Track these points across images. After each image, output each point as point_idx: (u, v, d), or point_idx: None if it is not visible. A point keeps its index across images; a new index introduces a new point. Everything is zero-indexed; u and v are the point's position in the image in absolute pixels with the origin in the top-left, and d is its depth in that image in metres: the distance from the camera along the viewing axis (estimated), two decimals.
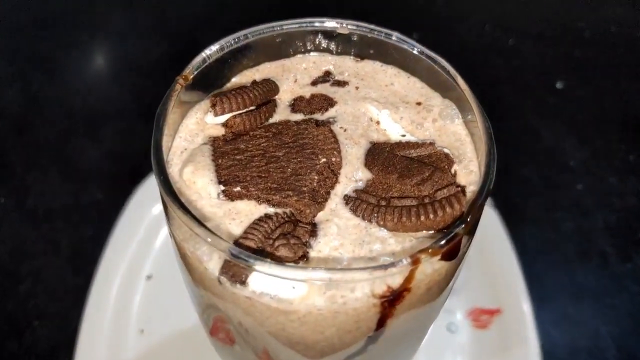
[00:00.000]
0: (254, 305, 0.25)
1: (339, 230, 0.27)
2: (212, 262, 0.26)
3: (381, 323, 0.26)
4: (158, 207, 0.68)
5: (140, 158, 0.68)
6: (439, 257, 0.25)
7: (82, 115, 0.79)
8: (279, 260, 0.25)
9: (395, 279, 0.25)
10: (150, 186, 0.70)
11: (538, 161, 0.76)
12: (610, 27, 0.90)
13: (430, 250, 0.24)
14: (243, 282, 0.25)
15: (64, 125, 0.78)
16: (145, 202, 0.68)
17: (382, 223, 0.27)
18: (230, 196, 0.28)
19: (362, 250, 0.26)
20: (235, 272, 0.25)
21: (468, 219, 0.25)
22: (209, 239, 0.24)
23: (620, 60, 0.86)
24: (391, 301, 0.25)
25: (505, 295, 0.62)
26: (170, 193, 0.26)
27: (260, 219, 0.27)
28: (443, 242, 0.24)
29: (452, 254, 0.25)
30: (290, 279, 0.23)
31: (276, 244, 0.25)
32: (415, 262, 0.23)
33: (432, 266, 0.26)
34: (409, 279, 0.24)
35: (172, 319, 0.61)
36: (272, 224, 0.26)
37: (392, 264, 0.23)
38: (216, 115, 0.31)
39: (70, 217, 0.70)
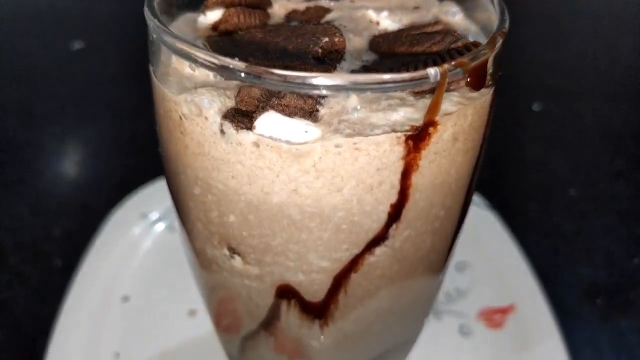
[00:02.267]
0: (262, 156, 0.22)
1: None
2: (213, 110, 0.23)
3: (405, 180, 0.23)
4: (134, 230, 0.64)
5: (115, 190, 0.65)
6: (466, 77, 0.22)
7: (53, 150, 0.76)
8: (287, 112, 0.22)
9: (418, 114, 0.22)
10: (125, 212, 0.66)
11: (527, 173, 0.76)
12: (575, 58, 0.94)
13: (455, 62, 0.21)
14: (249, 126, 0.22)
15: (34, 161, 0.75)
16: (119, 227, 0.63)
17: None
18: None
19: (380, 105, 0.23)
20: (239, 119, 0.22)
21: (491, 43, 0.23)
22: (219, 61, 0.21)
23: (589, 86, 0.89)
24: (415, 141, 0.22)
25: (517, 291, 0.58)
26: (169, 32, 0.23)
27: None
28: (470, 57, 0.22)
29: (478, 78, 0.23)
30: (312, 85, 0.20)
31: (283, 94, 0.22)
32: (442, 75, 0.21)
33: (457, 104, 0.23)
34: (434, 105, 0.22)
35: (152, 341, 0.54)
36: None
37: (418, 72, 0.21)
38: (210, 8, 0.29)
39: (40, 249, 0.65)
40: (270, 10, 0.33)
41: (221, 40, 0.28)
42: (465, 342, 0.55)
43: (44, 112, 0.83)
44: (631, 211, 0.70)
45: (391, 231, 0.25)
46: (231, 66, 0.21)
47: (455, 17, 0.31)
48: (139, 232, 0.62)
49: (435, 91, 0.22)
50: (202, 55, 0.21)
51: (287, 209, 0.23)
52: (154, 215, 0.64)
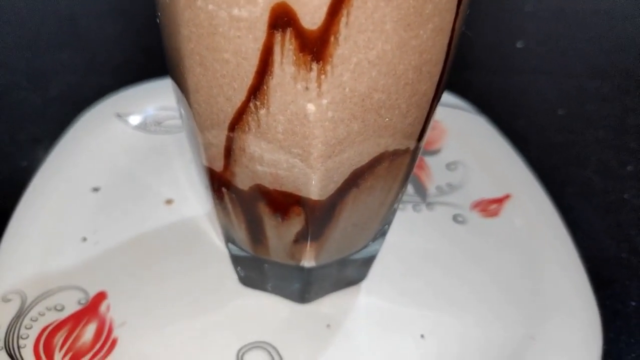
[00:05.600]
0: None
1: None
2: None
3: None
4: (107, 128, 0.61)
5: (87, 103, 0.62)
6: None
7: (22, 70, 0.73)
8: None
9: None
10: (98, 110, 0.63)
11: (514, 96, 0.75)
12: (556, 9, 0.95)
13: None
14: None
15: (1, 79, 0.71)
16: (92, 124, 0.60)
17: None
18: None
19: None
20: None
21: None
22: None
23: (572, 30, 0.89)
24: None
25: (512, 181, 0.56)
26: None
27: None
28: None
29: None
30: None
31: None
32: None
33: None
34: None
35: (124, 227, 0.50)
36: None
37: None
38: None
39: (3, 151, 0.61)
40: None
41: None
42: (461, 228, 0.52)
43: (12, 40, 0.79)
44: (621, 128, 0.69)
45: None
46: None
47: None
48: (113, 129, 0.58)
49: None
50: None
51: None
52: (130, 115, 0.60)
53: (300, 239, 0.37)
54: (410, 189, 0.55)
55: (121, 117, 0.59)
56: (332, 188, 0.33)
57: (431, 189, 0.56)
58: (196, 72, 0.29)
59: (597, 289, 0.47)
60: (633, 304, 0.48)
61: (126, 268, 0.46)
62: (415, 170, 0.58)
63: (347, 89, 0.28)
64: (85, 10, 0.86)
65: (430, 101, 0.32)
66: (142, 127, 0.60)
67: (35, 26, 0.82)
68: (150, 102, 0.61)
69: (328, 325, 0.43)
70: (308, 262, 0.39)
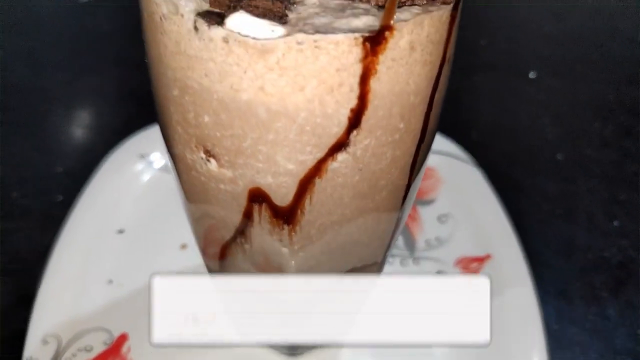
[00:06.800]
0: (231, 52, 0.24)
1: (320, 2, 0.26)
2: (188, 8, 0.25)
3: (364, 85, 0.25)
4: (131, 169, 0.67)
5: (116, 134, 0.68)
6: None
7: (59, 96, 0.79)
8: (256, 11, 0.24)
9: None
10: (124, 151, 0.68)
11: (517, 136, 0.77)
12: (575, 31, 0.95)
13: None
14: (221, 23, 0.24)
15: (40, 105, 0.78)
16: (117, 166, 0.66)
17: None
18: None
19: (345, 13, 0.25)
20: (211, 17, 0.24)
21: None
22: None
23: (586, 58, 0.90)
24: (373, 44, 0.24)
25: (495, 242, 0.60)
26: None
27: None
28: None
29: None
30: None
31: None
32: None
33: (415, 15, 0.25)
34: (389, 8, 0.24)
35: (144, 270, 0.57)
36: None
37: None
38: None
39: (42, 185, 0.68)
40: None
41: None
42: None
43: (50, 61, 0.85)
44: (615, 177, 0.71)
45: (352, 137, 0.27)
46: None
47: None
48: (136, 171, 0.65)
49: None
50: None
51: (255, 107, 0.26)
52: (152, 156, 0.67)
53: None
54: (400, 241, 0.61)
55: (144, 157, 0.66)
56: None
57: (420, 242, 0.61)
58: (195, 212, 0.35)
59: (555, 352, 0.52)
60: None
61: (145, 311, 0.54)
62: (407, 221, 0.63)
63: (314, 239, 0.33)
64: (120, 32, 0.91)
65: (391, 233, 0.37)
66: (164, 168, 0.66)
67: (71, 46, 0.88)
68: None
69: None
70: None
